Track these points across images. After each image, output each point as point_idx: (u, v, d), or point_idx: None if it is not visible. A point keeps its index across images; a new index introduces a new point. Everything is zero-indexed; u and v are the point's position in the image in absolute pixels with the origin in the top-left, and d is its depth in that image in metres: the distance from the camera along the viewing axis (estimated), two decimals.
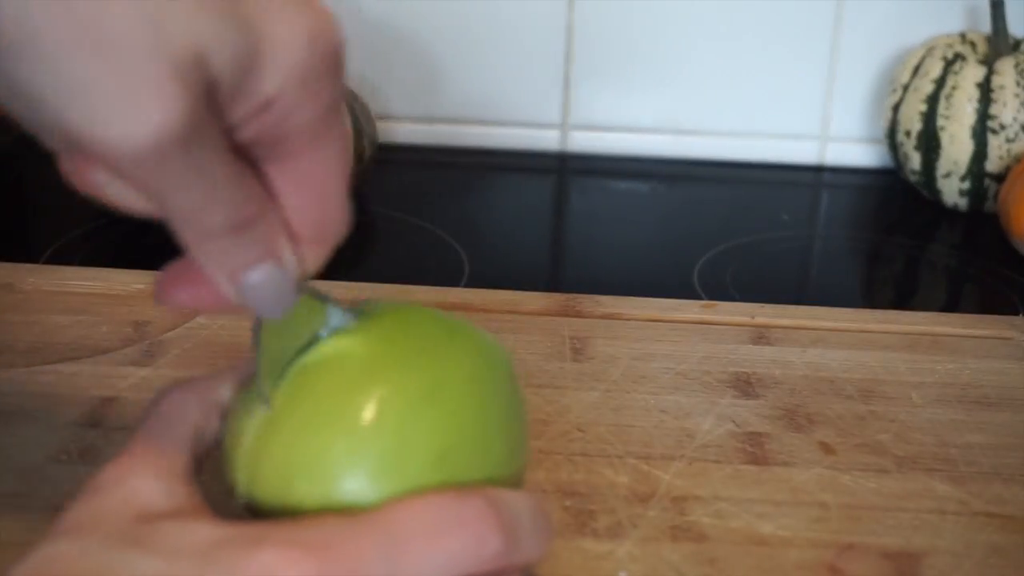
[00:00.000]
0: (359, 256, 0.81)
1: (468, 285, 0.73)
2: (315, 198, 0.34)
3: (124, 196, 0.33)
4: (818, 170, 0.98)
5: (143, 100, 0.28)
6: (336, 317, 0.37)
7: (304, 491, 0.34)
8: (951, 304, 0.79)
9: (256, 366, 0.36)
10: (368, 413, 0.34)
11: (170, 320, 0.60)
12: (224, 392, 0.38)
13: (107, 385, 0.54)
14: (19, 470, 0.47)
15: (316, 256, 0.35)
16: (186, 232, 0.32)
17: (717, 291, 0.74)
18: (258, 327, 0.36)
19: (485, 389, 0.36)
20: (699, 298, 0.70)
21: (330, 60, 0.32)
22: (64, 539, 0.32)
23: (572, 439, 0.51)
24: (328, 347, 0.36)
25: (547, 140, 0.99)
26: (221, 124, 0.31)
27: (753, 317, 0.64)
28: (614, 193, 0.95)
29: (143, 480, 0.34)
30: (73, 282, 0.64)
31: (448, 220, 0.85)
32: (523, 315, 0.63)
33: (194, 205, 0.31)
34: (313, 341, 0.37)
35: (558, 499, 0.47)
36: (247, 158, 0.33)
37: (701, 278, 0.76)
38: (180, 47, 0.28)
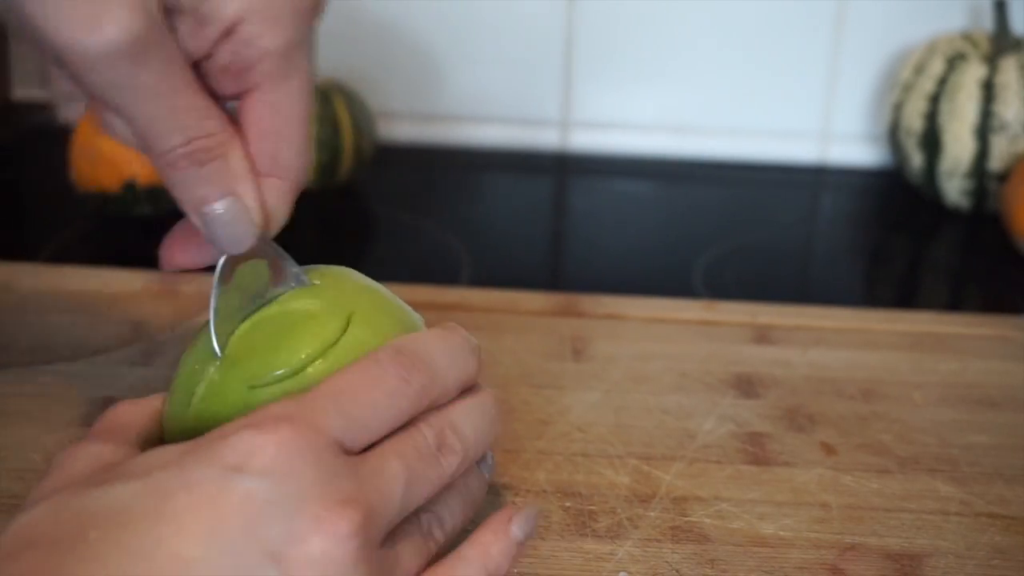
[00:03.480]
0: (359, 256, 0.81)
1: (468, 285, 0.72)
2: (277, 132, 0.37)
3: (126, 135, 0.37)
4: (819, 170, 0.98)
5: (99, 13, 0.32)
6: (290, 278, 0.40)
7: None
8: (953, 304, 0.79)
9: (210, 319, 0.39)
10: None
11: (168, 320, 0.60)
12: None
13: (106, 385, 0.54)
14: (17, 471, 0.47)
15: (279, 193, 0.38)
16: (152, 158, 0.36)
17: (718, 291, 0.74)
18: (218, 280, 0.39)
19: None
20: (700, 298, 0.70)
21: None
22: (38, 504, 0.33)
23: (573, 439, 0.51)
24: (278, 305, 0.40)
25: (547, 139, 0.98)
26: (186, 48, 0.35)
27: (754, 317, 0.63)
28: (614, 193, 0.95)
29: (103, 447, 0.36)
30: (71, 282, 0.64)
31: (448, 220, 0.84)
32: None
33: (152, 125, 0.34)
34: (268, 298, 0.40)
35: (558, 500, 0.47)
36: (218, 94, 0.37)
37: (702, 278, 0.76)
38: None
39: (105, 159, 0.76)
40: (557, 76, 0.97)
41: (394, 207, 0.88)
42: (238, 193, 0.37)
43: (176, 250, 0.39)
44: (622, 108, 0.97)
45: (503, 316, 0.62)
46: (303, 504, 0.32)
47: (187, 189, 0.36)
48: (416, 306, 0.43)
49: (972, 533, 0.46)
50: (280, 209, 0.38)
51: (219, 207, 0.36)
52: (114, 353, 0.57)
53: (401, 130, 0.98)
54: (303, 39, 0.37)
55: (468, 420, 0.38)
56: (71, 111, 0.95)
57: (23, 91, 0.99)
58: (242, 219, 0.37)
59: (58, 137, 0.84)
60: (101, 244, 0.79)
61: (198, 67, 0.37)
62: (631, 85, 0.97)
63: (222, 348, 0.39)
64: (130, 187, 0.77)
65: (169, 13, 0.34)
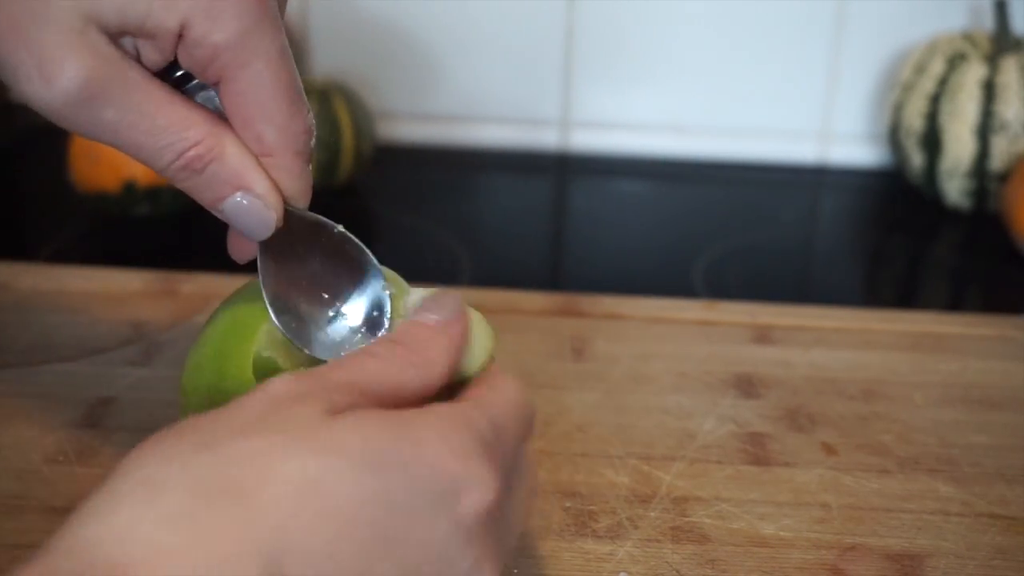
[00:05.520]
0: None
1: (468, 285, 0.72)
2: (252, 116, 0.38)
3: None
4: (819, 170, 0.98)
5: (49, 66, 0.34)
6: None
7: None
8: (954, 304, 0.79)
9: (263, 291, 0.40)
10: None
11: (168, 320, 0.60)
12: None
13: (105, 385, 0.54)
14: (16, 471, 0.47)
15: (284, 169, 0.39)
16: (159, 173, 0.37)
17: (718, 291, 0.74)
18: (261, 266, 0.40)
19: None
20: (700, 298, 0.70)
21: None
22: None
23: (573, 439, 0.51)
24: None
25: (547, 139, 0.98)
26: (152, 63, 0.37)
27: (755, 317, 0.63)
28: (614, 193, 0.94)
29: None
30: (71, 282, 0.64)
31: (448, 220, 0.84)
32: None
33: (139, 150, 0.37)
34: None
35: (559, 500, 0.47)
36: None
37: (702, 278, 0.76)
38: (68, 14, 0.34)
39: (105, 159, 0.76)
40: (557, 76, 0.96)
41: (394, 207, 0.88)
42: (246, 184, 0.38)
43: (241, 242, 0.40)
44: (622, 108, 0.97)
45: (503, 316, 0.62)
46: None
47: (197, 193, 0.38)
48: None
49: (973, 533, 0.46)
50: (294, 184, 0.39)
51: (230, 203, 0.38)
52: (114, 353, 0.57)
53: (401, 130, 0.98)
54: (256, 24, 0.37)
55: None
56: None
57: None
58: (255, 208, 0.38)
59: (58, 137, 0.83)
60: (101, 244, 0.79)
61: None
62: (631, 85, 0.97)
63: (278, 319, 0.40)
64: (130, 187, 0.77)
65: (122, 40, 0.36)
